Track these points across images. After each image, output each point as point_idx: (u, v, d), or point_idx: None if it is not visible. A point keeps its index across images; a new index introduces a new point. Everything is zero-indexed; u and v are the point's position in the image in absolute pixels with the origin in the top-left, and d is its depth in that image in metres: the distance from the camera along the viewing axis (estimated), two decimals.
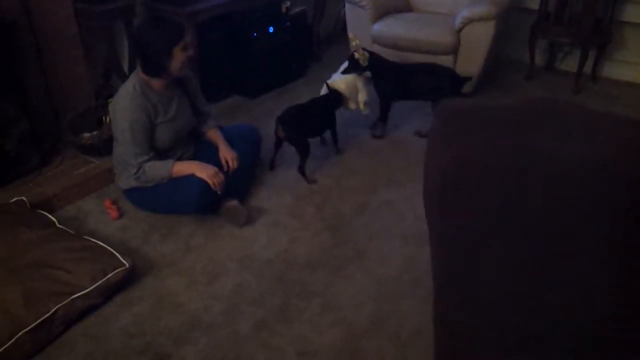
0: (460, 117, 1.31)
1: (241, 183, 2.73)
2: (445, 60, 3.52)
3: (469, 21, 3.41)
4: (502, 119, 1.27)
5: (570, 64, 4.02)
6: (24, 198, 2.58)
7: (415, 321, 1.96)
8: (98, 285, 2.10)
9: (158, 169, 2.48)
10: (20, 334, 1.90)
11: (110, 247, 2.26)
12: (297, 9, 4.03)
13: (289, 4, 3.94)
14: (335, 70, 3.30)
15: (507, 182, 1.21)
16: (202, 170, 2.47)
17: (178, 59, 2.39)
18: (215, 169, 2.50)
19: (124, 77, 3.17)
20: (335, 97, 3.11)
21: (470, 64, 3.52)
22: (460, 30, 3.45)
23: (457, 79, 3.16)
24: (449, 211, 1.34)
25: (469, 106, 1.36)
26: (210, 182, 2.45)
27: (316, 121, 3.02)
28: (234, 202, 2.59)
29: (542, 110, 1.30)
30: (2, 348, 1.87)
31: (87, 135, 2.91)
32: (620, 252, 1.18)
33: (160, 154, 2.55)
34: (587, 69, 3.86)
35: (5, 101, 2.75)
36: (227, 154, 2.66)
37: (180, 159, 2.62)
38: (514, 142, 1.21)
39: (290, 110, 2.93)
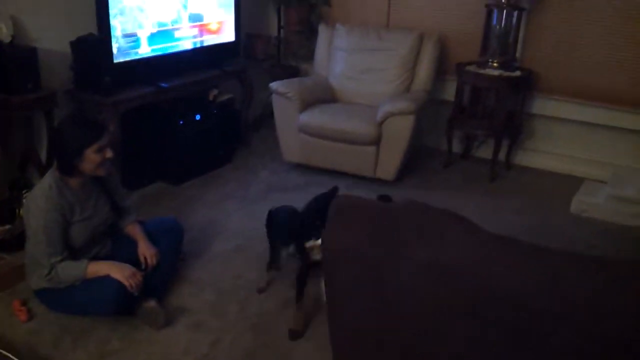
0: (350, 211, 1.51)
1: (161, 280, 2.64)
2: (369, 151, 3.65)
3: (390, 115, 3.58)
4: (384, 219, 1.45)
5: (485, 152, 4.27)
6: None
7: None
8: None
9: (72, 270, 2.37)
10: None
11: (16, 358, 2.10)
12: (225, 96, 4.10)
13: (216, 92, 4.00)
14: (261, 157, 3.27)
15: (366, 270, 1.41)
16: (118, 271, 2.38)
17: (91, 161, 2.34)
18: (133, 269, 2.42)
19: (41, 169, 3.08)
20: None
21: (391, 154, 3.66)
22: (381, 123, 3.61)
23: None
24: (331, 291, 1.54)
25: (357, 203, 1.55)
26: (126, 283, 2.36)
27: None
28: (152, 303, 2.49)
29: (414, 214, 1.47)
30: None
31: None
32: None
33: (75, 252, 2.45)
34: (502, 156, 4.11)
35: None
36: (146, 251, 2.58)
37: (96, 256, 2.52)
38: (379, 237, 1.40)
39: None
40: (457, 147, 4.34)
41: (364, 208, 1.52)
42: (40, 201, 2.33)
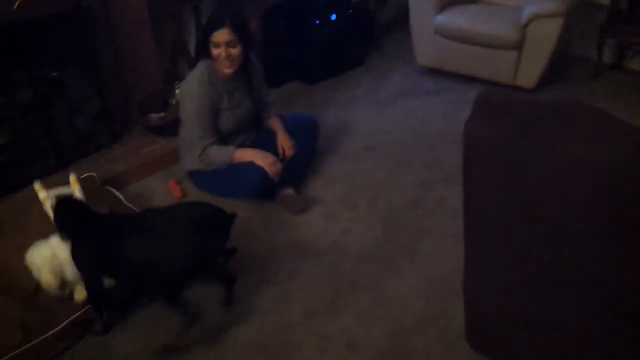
0: (493, 104, 1.46)
1: (297, 172, 2.80)
2: (510, 56, 3.47)
3: (536, 17, 3.34)
4: (528, 113, 1.39)
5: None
6: (94, 174, 2.74)
7: (462, 323, 1.99)
8: None
9: (221, 153, 2.59)
10: None
11: None
12: None
13: None
14: (393, 60, 3.22)
15: (509, 168, 1.38)
16: (262, 159, 2.56)
17: (212, 51, 2.47)
18: (275, 157, 2.59)
19: (190, 62, 3.28)
20: None
21: (534, 60, 3.45)
22: (526, 25, 3.39)
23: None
24: (469, 184, 1.55)
25: (504, 97, 1.49)
26: (268, 170, 2.54)
27: None
28: (289, 191, 2.67)
29: (563, 111, 1.40)
30: None
31: (154, 116, 3.04)
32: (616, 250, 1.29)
33: (223, 139, 2.66)
34: None
35: (81, 81, 2.91)
36: (284, 142, 2.74)
37: (241, 145, 2.72)
38: (525, 131, 1.34)
39: None
40: (608, 57, 3.98)
41: (510, 101, 1.48)
42: (193, 86, 2.53)
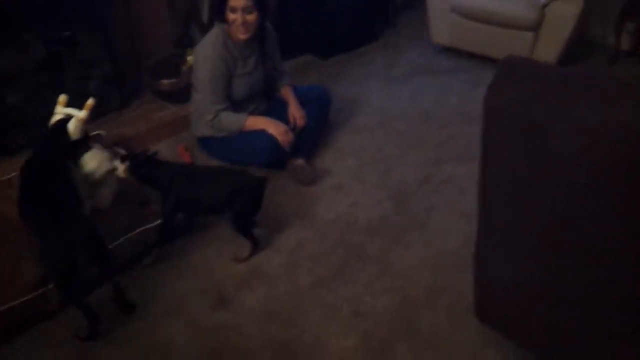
0: (517, 70, 1.43)
1: (308, 143, 2.78)
2: (526, 38, 3.42)
3: None
4: (551, 80, 1.37)
5: None
6: (101, 132, 2.69)
7: (471, 297, 1.98)
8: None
9: (232, 119, 2.57)
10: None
11: None
12: None
13: None
14: (408, 37, 3.17)
15: (531, 135, 1.34)
16: (273, 127, 2.54)
17: (229, 16, 2.44)
18: (286, 126, 2.57)
19: (202, 28, 3.25)
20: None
21: (551, 42, 3.41)
22: (545, 6, 3.33)
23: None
24: (487, 155, 1.50)
25: (529, 63, 1.47)
26: (280, 139, 2.52)
27: None
28: (300, 161, 2.66)
29: (585, 79, 1.39)
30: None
31: (165, 81, 3.02)
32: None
33: (235, 106, 2.64)
34: None
35: (91, 43, 2.88)
36: (296, 112, 2.71)
37: (253, 113, 2.70)
38: (547, 96, 1.32)
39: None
40: (626, 44, 3.92)
41: (534, 67, 1.46)
42: (207, 50, 2.50)
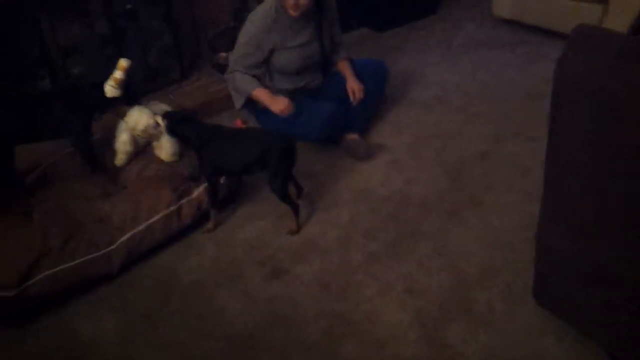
0: (588, 41, 1.37)
1: (364, 117, 2.76)
2: (594, 11, 3.26)
3: None
4: (625, 50, 1.31)
5: None
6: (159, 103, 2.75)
7: (528, 278, 1.94)
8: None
9: (244, 83, 2.58)
10: (153, 219, 2.15)
11: None
12: None
13: None
14: (468, 10, 3.10)
15: (605, 109, 1.30)
16: (276, 105, 2.53)
17: None
18: (287, 100, 2.54)
19: (260, 0, 3.25)
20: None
21: (622, 15, 3.23)
22: None
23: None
24: (555, 130, 1.46)
25: (601, 33, 1.40)
26: (281, 113, 2.52)
27: None
28: (355, 136, 2.65)
29: None
30: (137, 229, 2.12)
31: (223, 54, 3.05)
32: None
33: (288, 77, 2.64)
34: None
35: (152, 16, 2.93)
36: (354, 85, 2.69)
37: (307, 86, 2.71)
38: (623, 70, 1.26)
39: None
40: None
41: (604, 37, 1.39)
42: (256, 16, 2.53)
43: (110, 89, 2.26)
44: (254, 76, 2.58)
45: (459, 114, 2.93)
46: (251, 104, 2.65)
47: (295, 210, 2.24)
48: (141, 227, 2.13)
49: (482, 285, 1.98)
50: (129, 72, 2.28)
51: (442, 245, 2.16)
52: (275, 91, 2.62)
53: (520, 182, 2.43)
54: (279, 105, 2.54)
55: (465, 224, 2.25)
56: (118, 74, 2.27)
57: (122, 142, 2.41)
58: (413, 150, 2.69)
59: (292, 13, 2.47)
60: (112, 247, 2.07)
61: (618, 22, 3.25)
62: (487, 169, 2.54)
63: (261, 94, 2.57)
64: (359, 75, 2.74)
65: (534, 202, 2.30)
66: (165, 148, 2.42)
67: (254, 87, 2.58)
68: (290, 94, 2.63)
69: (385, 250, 2.15)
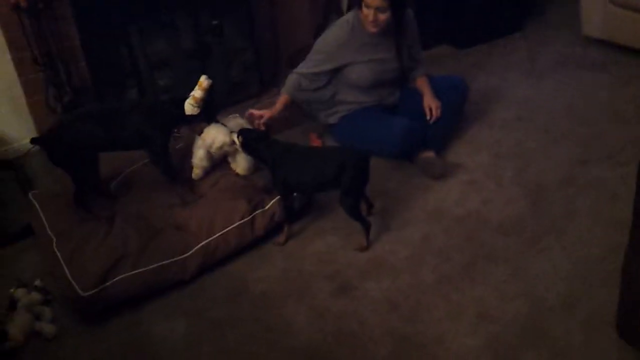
0: None
1: (441, 135, 2.71)
2: None
3: None
4: None
5: None
6: (237, 115, 2.82)
7: (610, 311, 1.81)
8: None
9: (288, 83, 2.64)
10: (228, 228, 2.20)
11: None
12: None
13: None
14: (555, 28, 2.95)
15: None
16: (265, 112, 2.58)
17: (363, 11, 2.44)
18: (269, 114, 2.58)
19: (340, 15, 3.28)
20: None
21: None
22: None
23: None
24: None
25: None
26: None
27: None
28: (430, 153, 2.60)
29: None
30: (212, 238, 2.18)
31: None
32: None
33: (363, 92, 2.66)
34: None
35: (237, 32, 3.03)
36: (432, 103, 2.65)
37: (383, 101, 2.70)
38: None
39: None
40: None
41: None
42: (333, 28, 2.58)
43: (189, 107, 2.32)
44: (317, 89, 2.64)
45: (541, 134, 2.81)
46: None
47: (367, 227, 2.21)
48: (216, 235, 2.18)
49: (560, 315, 1.87)
50: (209, 91, 2.33)
51: (519, 271, 2.06)
52: (345, 104, 2.67)
53: (608, 210, 2.29)
54: (265, 114, 2.56)
55: (545, 251, 2.14)
56: (198, 93, 2.31)
57: (199, 158, 2.48)
58: (491, 170, 2.60)
59: (371, 29, 2.48)
60: (188, 253, 2.13)
61: None
62: (571, 193, 2.41)
63: (279, 100, 2.63)
64: (437, 92, 2.70)
65: (621, 232, 2.17)
66: (240, 164, 2.48)
67: (285, 91, 2.63)
68: (364, 109, 2.63)
69: (458, 272, 2.08)
